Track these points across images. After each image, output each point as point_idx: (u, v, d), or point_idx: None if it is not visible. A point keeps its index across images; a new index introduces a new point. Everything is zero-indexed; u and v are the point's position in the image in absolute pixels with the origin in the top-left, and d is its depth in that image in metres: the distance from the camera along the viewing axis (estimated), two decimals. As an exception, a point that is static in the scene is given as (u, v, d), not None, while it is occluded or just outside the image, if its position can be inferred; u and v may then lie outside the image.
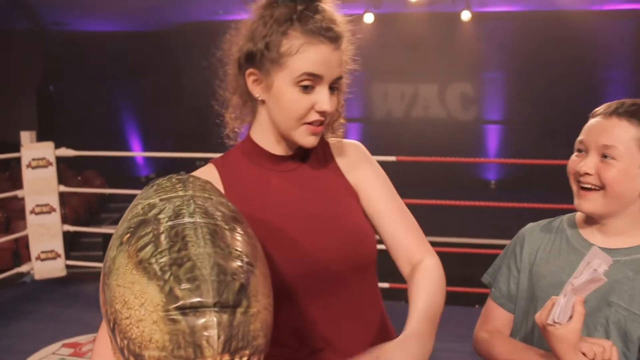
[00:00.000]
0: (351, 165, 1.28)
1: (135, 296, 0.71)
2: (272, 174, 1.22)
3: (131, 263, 0.74)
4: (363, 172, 1.28)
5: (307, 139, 1.15)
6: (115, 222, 8.69)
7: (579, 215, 1.36)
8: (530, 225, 1.43)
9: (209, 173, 1.21)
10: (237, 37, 1.19)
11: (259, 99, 1.15)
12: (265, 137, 1.21)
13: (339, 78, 1.15)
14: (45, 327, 3.47)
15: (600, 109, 1.27)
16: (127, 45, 10.95)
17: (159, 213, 0.80)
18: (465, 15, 9.46)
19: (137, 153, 12.23)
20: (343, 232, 1.19)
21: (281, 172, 1.22)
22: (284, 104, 1.12)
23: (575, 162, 1.28)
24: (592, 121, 1.28)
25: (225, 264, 0.74)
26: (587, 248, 1.24)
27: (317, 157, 1.27)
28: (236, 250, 0.78)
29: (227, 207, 0.88)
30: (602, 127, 1.24)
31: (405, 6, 9.32)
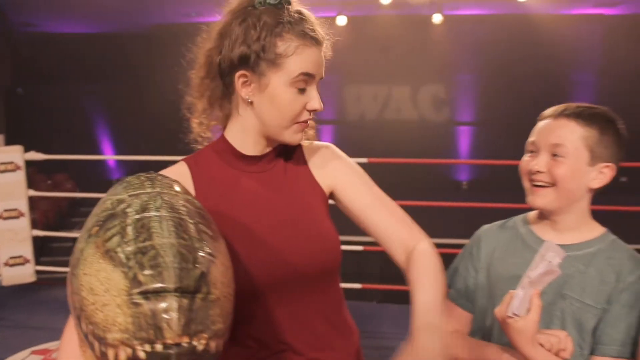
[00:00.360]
0: (324, 167, 1.29)
1: (101, 282, 0.75)
2: (243, 174, 1.23)
3: (98, 253, 0.78)
4: (337, 172, 1.30)
5: (294, 137, 1.20)
6: (86, 226, 8.58)
7: (531, 215, 1.44)
8: (485, 227, 1.49)
9: (180, 170, 1.22)
10: (207, 42, 1.21)
11: (248, 100, 1.17)
12: (242, 138, 1.22)
13: (321, 79, 1.20)
14: (14, 335, 3.42)
15: (548, 111, 1.36)
16: (98, 48, 10.82)
17: (127, 207, 0.84)
18: (437, 18, 9.55)
19: (109, 156, 12.10)
20: (309, 236, 1.20)
21: (252, 173, 1.24)
22: (279, 104, 1.15)
23: (527, 162, 1.35)
24: (541, 123, 1.36)
25: (187, 253, 0.78)
26: (541, 245, 1.28)
27: (289, 159, 1.28)
28: (199, 241, 0.82)
29: (193, 203, 0.92)
30: (551, 128, 1.32)
31: (378, 9, 9.37)
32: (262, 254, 1.16)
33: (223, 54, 1.17)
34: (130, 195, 0.88)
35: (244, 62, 1.15)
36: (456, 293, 1.46)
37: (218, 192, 1.20)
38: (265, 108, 1.17)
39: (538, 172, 1.32)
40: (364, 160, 4.03)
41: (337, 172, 1.30)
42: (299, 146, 1.31)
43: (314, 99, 1.17)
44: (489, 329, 1.40)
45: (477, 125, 10.97)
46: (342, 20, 9.28)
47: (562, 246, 1.27)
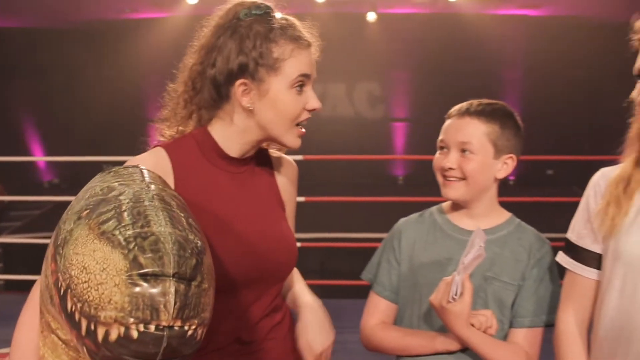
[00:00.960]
0: (287, 185, 1.39)
1: (97, 262, 0.77)
2: (221, 172, 1.27)
3: (92, 234, 0.80)
4: (291, 199, 1.41)
5: (295, 141, 1.27)
6: (16, 231, 8.27)
7: (445, 205, 1.56)
8: (403, 220, 1.60)
9: (159, 160, 1.23)
10: (190, 58, 1.27)
11: (249, 108, 1.21)
12: (230, 140, 1.26)
13: (314, 79, 1.28)
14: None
15: (453, 110, 1.48)
16: (27, 43, 10.41)
17: (120, 195, 0.86)
18: (371, 16, 9.70)
19: (39, 157, 11.65)
20: (276, 236, 1.29)
21: (229, 173, 1.28)
22: (281, 106, 1.21)
23: (439, 160, 1.47)
24: (448, 122, 1.48)
25: (184, 242, 0.81)
26: (458, 232, 1.47)
27: (260, 165, 1.35)
28: (191, 233, 0.85)
29: (178, 198, 0.95)
30: (457, 127, 1.45)
31: (312, 7, 9.42)
32: (236, 251, 1.21)
33: (218, 66, 1.21)
34: (120, 184, 0.89)
35: (243, 70, 1.20)
36: (380, 286, 1.53)
37: (197, 185, 1.23)
38: (268, 112, 1.22)
39: (450, 168, 1.44)
40: (299, 157, 4.08)
41: (291, 199, 1.40)
42: (267, 153, 1.37)
43: (312, 99, 1.25)
44: (415, 317, 1.48)
45: (411, 121, 11.19)
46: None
47: (470, 232, 1.41)
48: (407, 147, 11.15)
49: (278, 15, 1.24)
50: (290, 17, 1.26)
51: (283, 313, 1.35)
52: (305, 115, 1.26)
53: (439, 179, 1.48)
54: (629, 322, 1.20)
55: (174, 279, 0.76)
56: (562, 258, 1.37)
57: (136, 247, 0.77)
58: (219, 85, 1.22)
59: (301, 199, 4.59)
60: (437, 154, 1.49)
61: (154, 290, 0.75)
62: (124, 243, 0.77)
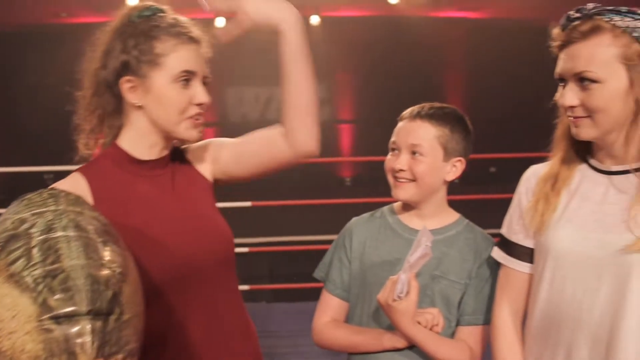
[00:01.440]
0: (203, 157, 1.39)
1: (7, 309, 0.72)
2: (139, 179, 1.26)
3: (1, 277, 0.75)
4: (213, 150, 1.40)
5: (191, 133, 1.28)
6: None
7: (396, 205, 1.59)
8: (355, 219, 1.63)
9: (76, 182, 1.22)
10: (92, 63, 1.28)
11: (137, 105, 1.23)
12: (137, 144, 1.26)
13: (206, 77, 1.30)
14: None
15: (405, 113, 1.51)
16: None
17: (30, 227, 0.81)
18: (315, 20, 9.72)
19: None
20: (201, 229, 1.27)
21: (147, 177, 1.27)
22: (166, 100, 1.22)
23: (391, 161, 1.51)
24: (400, 124, 1.52)
25: (98, 274, 0.77)
26: (408, 232, 1.49)
27: (176, 163, 1.35)
28: (108, 261, 0.81)
29: (99, 220, 0.91)
30: (408, 129, 1.48)
31: (256, 10, 9.38)
32: (160, 256, 1.18)
33: (107, 68, 1.24)
34: (33, 214, 0.85)
35: (126, 68, 1.23)
36: (332, 285, 1.56)
37: (116, 200, 1.22)
38: (155, 108, 1.23)
39: (400, 170, 1.47)
40: None
41: (213, 149, 1.40)
42: (184, 151, 1.39)
43: (199, 93, 1.26)
44: (365, 315, 1.50)
45: (357, 122, 11.28)
46: (220, 22, 9.21)
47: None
48: (354, 148, 11.23)
49: (170, 16, 1.27)
50: (180, 17, 1.28)
51: (246, 326, 1.34)
52: (195, 110, 1.27)
53: (390, 179, 1.51)
54: (559, 312, 1.25)
55: (90, 317, 0.73)
56: (496, 253, 1.42)
57: (45, 289, 0.73)
58: (111, 86, 1.25)
59: (247, 203, 4.57)
60: (389, 156, 1.52)
61: (68, 333, 0.71)
62: (32, 285, 0.73)
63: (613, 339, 1.18)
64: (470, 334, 1.45)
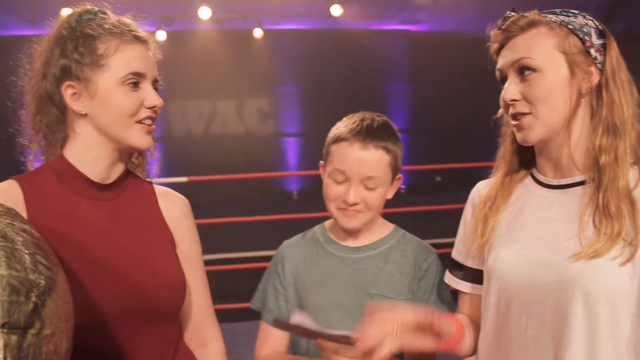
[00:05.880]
0: (178, 219, 1.28)
1: None
2: (84, 200, 1.16)
3: None
4: (187, 234, 1.29)
5: (142, 139, 1.17)
6: None
7: (328, 223, 1.50)
8: (286, 242, 1.52)
9: (10, 190, 1.12)
10: (32, 78, 1.17)
11: (82, 112, 1.13)
12: (84, 156, 1.16)
13: (156, 81, 1.20)
14: None
15: (346, 134, 1.36)
16: None
17: None
18: (258, 33, 9.70)
19: None
20: (154, 271, 1.16)
21: (94, 200, 1.17)
22: (114, 104, 1.12)
23: (338, 192, 1.36)
24: (347, 150, 1.35)
25: (19, 285, 0.72)
26: (342, 250, 1.41)
27: (138, 195, 1.24)
28: (34, 272, 0.76)
29: (30, 233, 0.86)
30: (362, 160, 1.34)
31: (198, 23, 9.30)
32: (101, 285, 1.09)
33: (47, 77, 1.14)
34: None
35: (67, 73, 1.12)
36: (270, 314, 1.45)
37: (56, 216, 1.12)
38: (101, 113, 1.13)
39: (355, 204, 1.35)
40: (183, 179, 4.00)
41: (187, 235, 1.29)
42: (151, 187, 1.28)
43: (150, 96, 1.16)
44: (307, 342, 1.42)
45: (302, 135, 11.29)
46: (161, 35, 9.07)
47: (361, 248, 1.41)
48: (299, 161, 11.22)
49: (112, 17, 1.17)
50: (124, 18, 1.18)
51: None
52: (145, 113, 1.17)
53: (334, 209, 1.39)
54: (506, 338, 1.17)
55: (4, 330, 0.67)
56: (447, 275, 1.36)
57: None
58: (52, 96, 1.15)
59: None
60: (334, 184, 1.37)
61: None
62: None
63: None
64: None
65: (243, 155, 10.54)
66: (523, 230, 1.19)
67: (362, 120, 1.38)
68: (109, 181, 1.19)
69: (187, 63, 9.79)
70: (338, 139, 1.38)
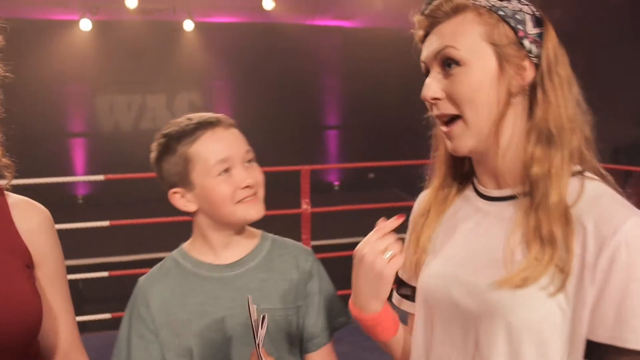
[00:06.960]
0: (36, 233, 1.12)
1: None
2: None
3: None
4: (48, 251, 1.13)
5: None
6: None
7: (185, 245, 1.35)
8: (142, 279, 1.34)
9: None
10: None
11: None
12: None
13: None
14: None
15: (201, 127, 1.39)
16: None
17: None
18: (188, 25, 9.45)
19: None
20: (3, 297, 1.00)
21: None
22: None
23: (227, 183, 1.27)
24: (216, 138, 1.34)
25: None
26: (216, 270, 1.27)
27: None
28: None
29: None
30: (233, 139, 1.35)
31: (125, 13, 8.95)
32: None
33: None
34: None
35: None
36: None
37: None
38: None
39: (247, 186, 1.28)
40: (100, 177, 3.82)
41: (47, 252, 1.13)
42: (3, 198, 1.11)
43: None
44: None
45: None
46: (86, 25, 8.69)
47: (235, 263, 1.29)
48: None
49: None
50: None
51: None
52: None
53: (232, 206, 1.26)
54: (433, 354, 1.06)
55: None
56: (395, 296, 1.22)
57: None
58: None
59: (105, 223, 4.23)
60: (220, 180, 1.27)
61: None
62: None
63: None
64: (326, 356, 1.30)
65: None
66: (455, 247, 1.05)
67: (193, 116, 1.41)
68: None
69: (114, 55, 9.44)
70: (193, 137, 1.33)
